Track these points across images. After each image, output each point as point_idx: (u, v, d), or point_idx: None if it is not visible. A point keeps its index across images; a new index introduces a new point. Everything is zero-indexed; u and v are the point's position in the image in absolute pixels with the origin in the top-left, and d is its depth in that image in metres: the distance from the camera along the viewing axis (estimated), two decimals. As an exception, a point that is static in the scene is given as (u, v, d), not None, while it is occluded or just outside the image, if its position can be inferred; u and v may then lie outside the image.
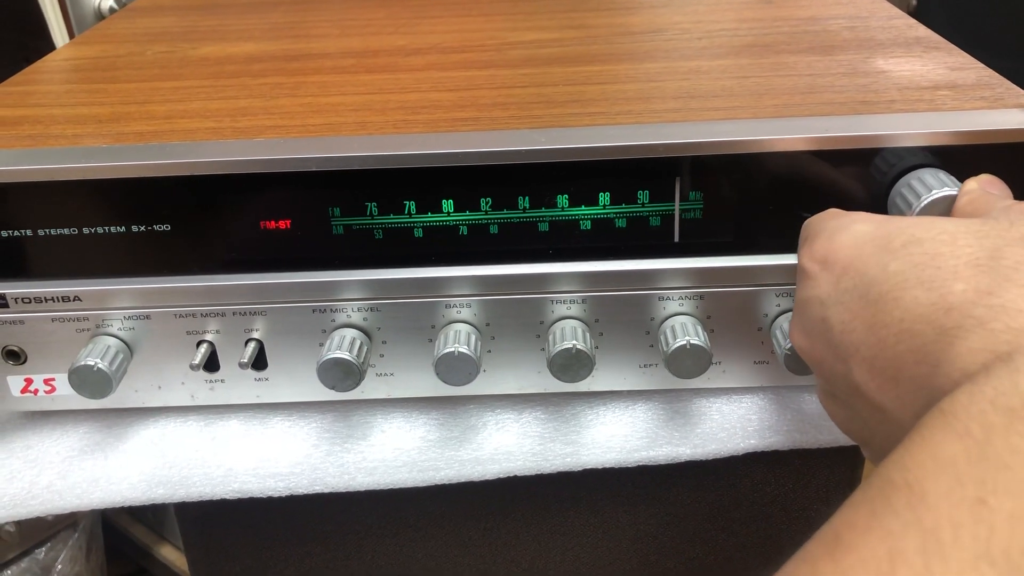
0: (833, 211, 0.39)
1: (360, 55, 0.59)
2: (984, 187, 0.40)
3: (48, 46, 1.08)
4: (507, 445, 0.49)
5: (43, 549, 1.18)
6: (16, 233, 0.46)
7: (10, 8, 1.09)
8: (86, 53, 0.63)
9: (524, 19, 0.66)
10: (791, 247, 0.46)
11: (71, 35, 1.06)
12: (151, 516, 1.38)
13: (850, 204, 0.45)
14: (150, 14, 0.73)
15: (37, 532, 1.17)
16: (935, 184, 0.42)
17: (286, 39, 0.64)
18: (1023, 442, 0.22)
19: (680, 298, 0.47)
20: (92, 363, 0.46)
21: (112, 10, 1.09)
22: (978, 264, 0.29)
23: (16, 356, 0.49)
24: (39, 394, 0.50)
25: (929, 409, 0.26)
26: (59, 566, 1.20)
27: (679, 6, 0.68)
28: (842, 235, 0.35)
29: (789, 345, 0.45)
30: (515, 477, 0.49)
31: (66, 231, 0.46)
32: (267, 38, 0.64)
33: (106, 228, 0.46)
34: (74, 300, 0.47)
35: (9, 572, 1.15)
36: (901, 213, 0.43)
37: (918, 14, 0.64)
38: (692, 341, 0.45)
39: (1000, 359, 0.26)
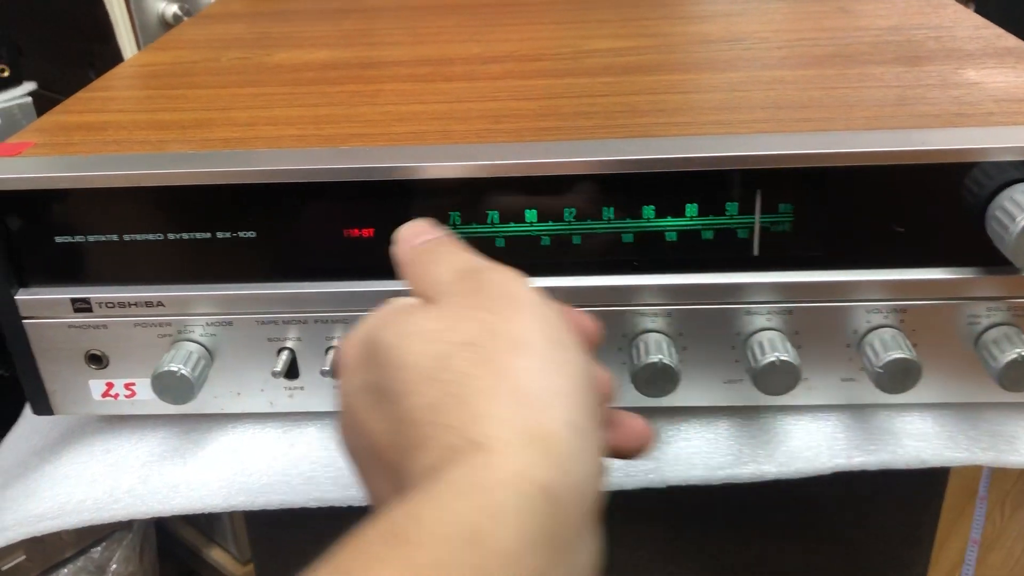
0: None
1: (436, 63, 0.59)
2: (406, 246, 0.37)
3: (113, 52, 1.10)
4: (587, 459, 0.48)
5: (99, 548, 1.20)
6: (102, 238, 0.46)
7: (77, 14, 1.10)
8: (162, 59, 0.64)
9: (597, 27, 0.66)
10: (884, 262, 0.45)
11: (137, 41, 1.07)
12: (202, 519, 1.39)
13: (946, 218, 0.44)
14: (221, 21, 0.74)
15: (93, 532, 1.18)
16: (1041, 199, 0.40)
17: (360, 47, 0.64)
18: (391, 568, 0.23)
19: (768, 313, 0.46)
20: (175, 369, 0.46)
21: (176, 16, 1.11)
22: (427, 376, 0.29)
23: (98, 360, 0.49)
24: (119, 398, 0.50)
25: None
26: (114, 565, 1.21)
27: (754, 15, 0.67)
28: (360, 327, 0.34)
29: (881, 363, 0.44)
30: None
31: (151, 236, 0.46)
32: (340, 46, 0.64)
33: (191, 234, 0.46)
34: (157, 305, 0.47)
35: (66, 570, 1.17)
36: (1000, 226, 0.42)
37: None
38: (782, 357, 0.44)
39: (437, 475, 0.26)
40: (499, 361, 0.29)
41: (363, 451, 0.32)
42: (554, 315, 0.31)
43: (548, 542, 0.25)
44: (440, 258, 0.35)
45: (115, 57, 1.10)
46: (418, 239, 0.37)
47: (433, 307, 0.32)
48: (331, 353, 0.48)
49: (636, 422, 0.35)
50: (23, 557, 1.12)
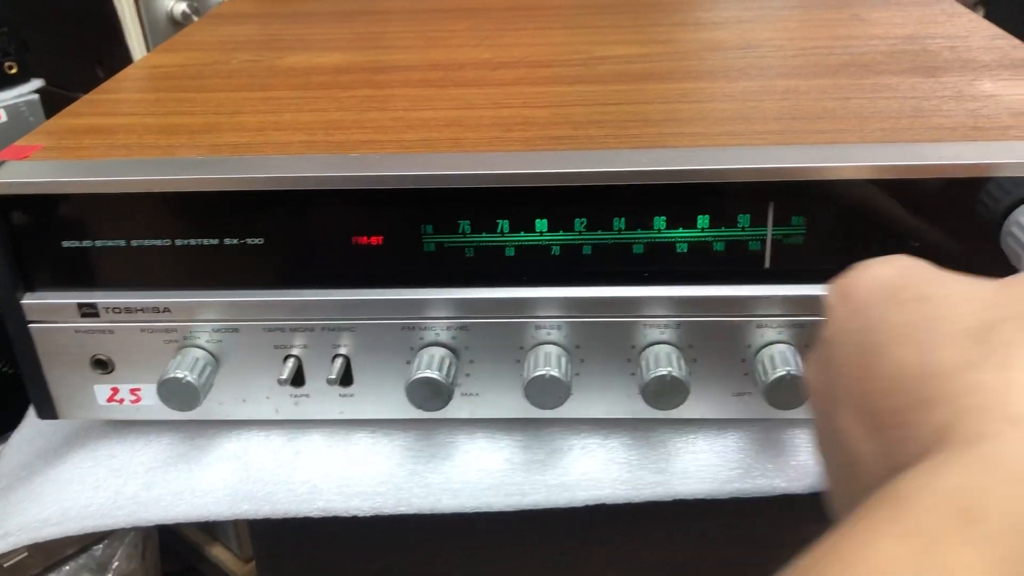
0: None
1: (447, 68, 0.59)
2: None
3: (121, 49, 1.10)
4: (594, 471, 0.48)
5: (100, 546, 1.20)
6: (110, 243, 0.46)
7: (85, 11, 1.10)
8: (172, 61, 0.63)
9: (609, 33, 0.65)
10: (897, 277, 0.45)
11: (145, 39, 1.07)
12: (205, 516, 1.39)
13: (960, 234, 0.44)
14: (231, 22, 0.74)
15: (95, 529, 1.18)
16: (1059, 217, 0.40)
17: (371, 50, 0.64)
18: (974, 553, 0.21)
19: (779, 326, 0.46)
20: (181, 375, 0.46)
21: (184, 15, 1.10)
22: (970, 335, 0.27)
23: (104, 365, 0.49)
24: (124, 403, 0.50)
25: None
26: (115, 563, 1.21)
27: (768, 22, 0.66)
28: (864, 274, 0.33)
29: (894, 378, 0.44)
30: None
31: (159, 242, 0.46)
32: (352, 48, 0.64)
33: (199, 240, 0.45)
34: (164, 311, 0.47)
35: (67, 568, 1.17)
36: (1016, 242, 0.41)
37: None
38: (792, 371, 0.44)
39: (962, 444, 0.24)
40: None
41: (842, 385, 0.31)
42: None
43: None
44: None
45: (123, 54, 1.10)
46: None
47: (984, 280, 0.31)
48: (338, 361, 0.47)
49: None
50: (25, 554, 1.12)
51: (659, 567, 0.57)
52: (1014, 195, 0.42)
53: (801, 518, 0.54)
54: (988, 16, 0.66)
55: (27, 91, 1.00)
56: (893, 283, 0.32)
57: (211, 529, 1.41)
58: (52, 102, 1.02)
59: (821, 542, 0.22)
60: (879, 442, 0.28)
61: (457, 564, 0.58)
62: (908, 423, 0.27)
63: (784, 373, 0.44)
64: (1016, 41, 0.58)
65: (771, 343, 0.46)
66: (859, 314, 0.32)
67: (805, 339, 0.46)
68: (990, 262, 0.43)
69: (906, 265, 0.33)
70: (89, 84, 0.58)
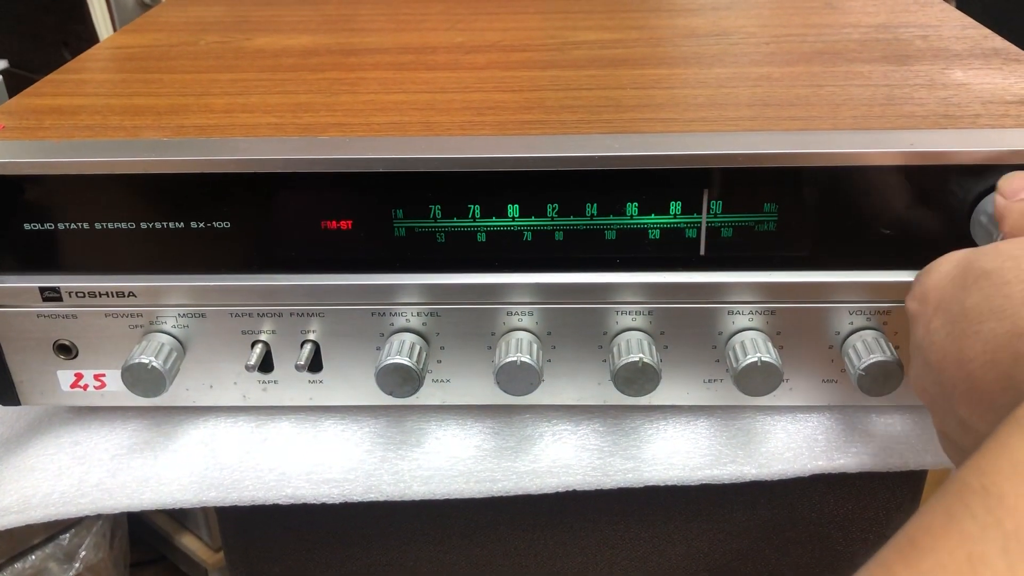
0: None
1: (419, 51, 0.58)
2: (1016, 196, 0.39)
3: (88, 31, 1.08)
4: (565, 458, 0.48)
5: (67, 535, 1.18)
6: (73, 226, 0.45)
7: (51, -9, 1.08)
8: (138, 41, 0.62)
9: (583, 18, 0.65)
10: (867, 264, 0.45)
11: (112, 20, 1.05)
12: (174, 505, 1.37)
13: (931, 221, 0.44)
14: (199, 3, 0.72)
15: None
16: (1028, 204, 0.40)
17: (341, 32, 0.63)
18: None
19: (750, 313, 0.46)
20: (146, 361, 0.45)
21: (152, -4, 1.08)
22: None
23: (67, 350, 0.48)
24: (88, 389, 0.49)
25: None
26: (83, 552, 1.19)
27: (741, 9, 0.66)
28: (930, 277, 0.36)
29: (864, 364, 0.44)
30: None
31: (123, 225, 0.45)
32: (322, 31, 0.63)
33: (164, 223, 0.45)
34: (128, 296, 0.46)
35: (34, 557, 1.15)
36: (985, 231, 0.42)
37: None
38: (763, 358, 0.44)
39: None
40: None
41: (947, 380, 0.32)
42: None
43: None
44: None
45: (90, 36, 1.08)
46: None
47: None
48: (306, 347, 0.47)
49: None
50: (-12, 544, 1.10)
51: (629, 553, 0.57)
52: (983, 184, 0.42)
53: (773, 507, 0.54)
54: (959, 6, 0.66)
55: (-10, 72, 0.98)
56: (956, 273, 0.34)
57: (181, 518, 1.40)
58: (15, 84, 1.00)
59: (967, 462, 0.25)
60: (997, 415, 0.30)
61: (427, 551, 0.58)
62: (1014, 382, 0.29)
63: (755, 360, 0.44)
64: (986, 31, 0.59)
65: (742, 330, 0.46)
66: (939, 311, 0.34)
67: (776, 325, 0.46)
68: (960, 248, 0.44)
69: (959, 255, 0.35)
70: (54, 66, 0.57)
